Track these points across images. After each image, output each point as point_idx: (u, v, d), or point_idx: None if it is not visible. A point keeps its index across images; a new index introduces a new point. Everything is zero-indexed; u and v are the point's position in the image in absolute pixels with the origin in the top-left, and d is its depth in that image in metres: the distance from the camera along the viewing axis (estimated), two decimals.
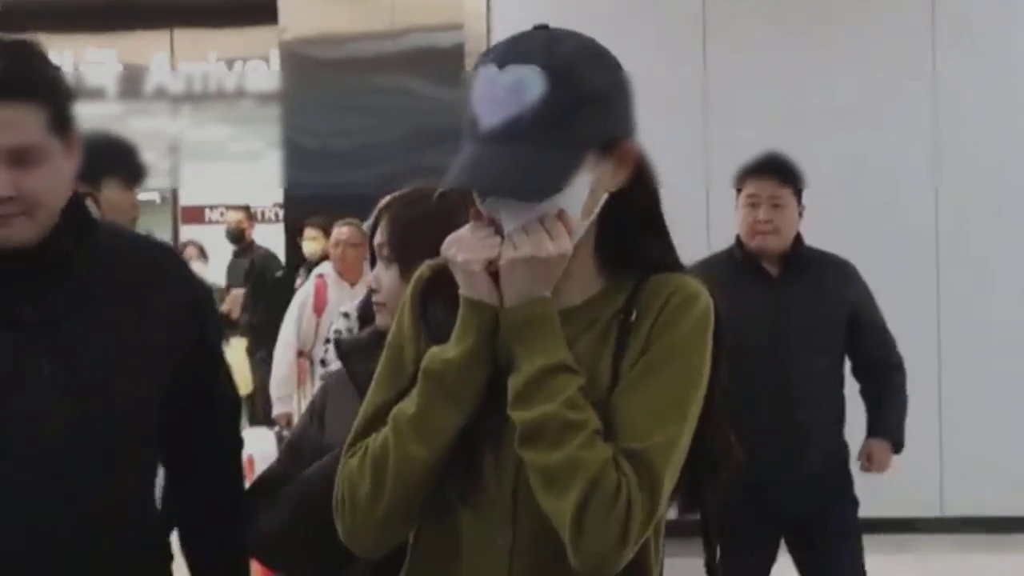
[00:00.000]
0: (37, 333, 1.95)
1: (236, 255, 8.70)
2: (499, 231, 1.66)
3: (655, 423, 1.64)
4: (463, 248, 1.68)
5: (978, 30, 7.15)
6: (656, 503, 1.63)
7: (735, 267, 4.16)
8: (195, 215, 12.46)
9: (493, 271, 1.66)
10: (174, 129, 11.67)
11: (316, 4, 8.44)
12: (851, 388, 4.29)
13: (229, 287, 8.15)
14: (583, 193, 1.68)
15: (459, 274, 1.68)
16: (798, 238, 4.18)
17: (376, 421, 1.74)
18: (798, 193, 4.16)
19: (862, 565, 4.15)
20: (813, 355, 4.10)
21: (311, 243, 9.03)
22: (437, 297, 1.76)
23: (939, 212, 6.95)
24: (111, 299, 2.02)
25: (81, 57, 11.43)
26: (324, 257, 9.04)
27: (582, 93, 1.64)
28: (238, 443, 2.32)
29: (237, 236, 9.14)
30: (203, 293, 2.23)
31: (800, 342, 4.07)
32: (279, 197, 10.38)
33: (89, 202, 3.28)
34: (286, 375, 6.53)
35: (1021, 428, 6.95)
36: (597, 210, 1.71)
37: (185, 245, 8.41)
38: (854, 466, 4.26)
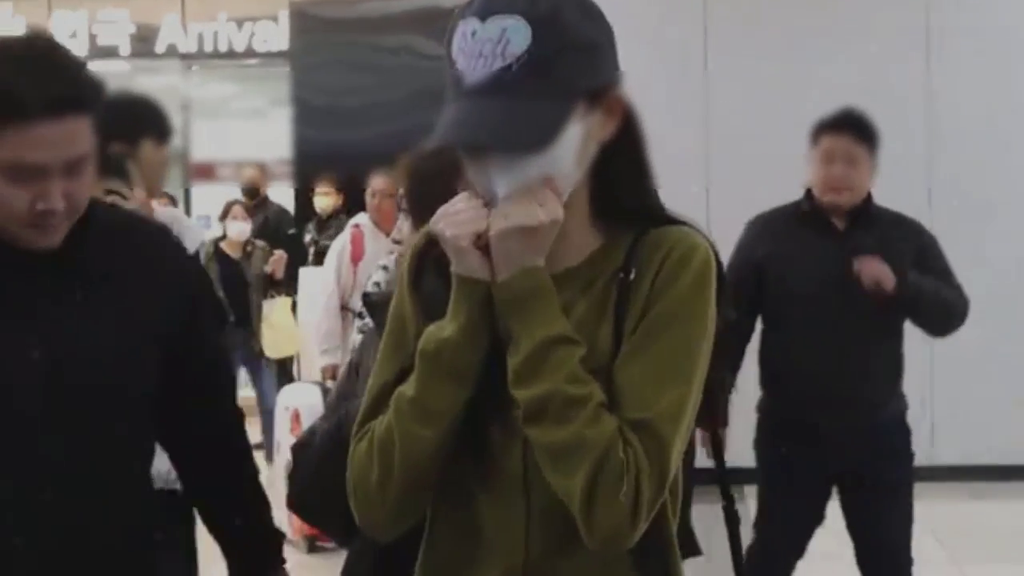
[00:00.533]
0: (28, 320, 1.96)
1: (250, 211, 8.84)
2: (489, 203, 1.60)
3: (660, 388, 1.59)
4: (451, 223, 1.61)
5: (972, 28, 7.30)
6: (666, 471, 1.58)
7: (800, 219, 4.15)
8: (206, 172, 12.62)
9: (483, 245, 1.60)
10: (185, 87, 11.83)
11: None
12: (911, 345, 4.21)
13: (273, 248, 8.19)
14: (575, 144, 1.61)
15: (449, 250, 1.62)
16: (868, 195, 4.14)
17: (382, 401, 1.70)
18: (873, 151, 4.11)
19: (910, 521, 4.13)
20: (873, 309, 4.02)
21: (323, 198, 9.19)
22: (431, 268, 1.71)
23: (932, 209, 7.10)
24: (103, 281, 2.03)
25: (95, 16, 11.60)
26: (336, 211, 9.22)
27: (567, 41, 1.58)
28: (238, 417, 2.35)
29: (252, 192, 9.28)
30: (196, 274, 2.29)
31: (858, 298, 3.99)
32: (288, 154, 10.55)
33: (129, 162, 3.37)
34: (331, 327, 6.43)
35: (1008, 385, 7.16)
36: (589, 162, 1.64)
37: (231, 204, 8.43)
38: (912, 420, 4.20)
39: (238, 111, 12.30)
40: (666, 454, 1.57)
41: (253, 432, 6.75)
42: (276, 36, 11.17)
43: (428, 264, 1.72)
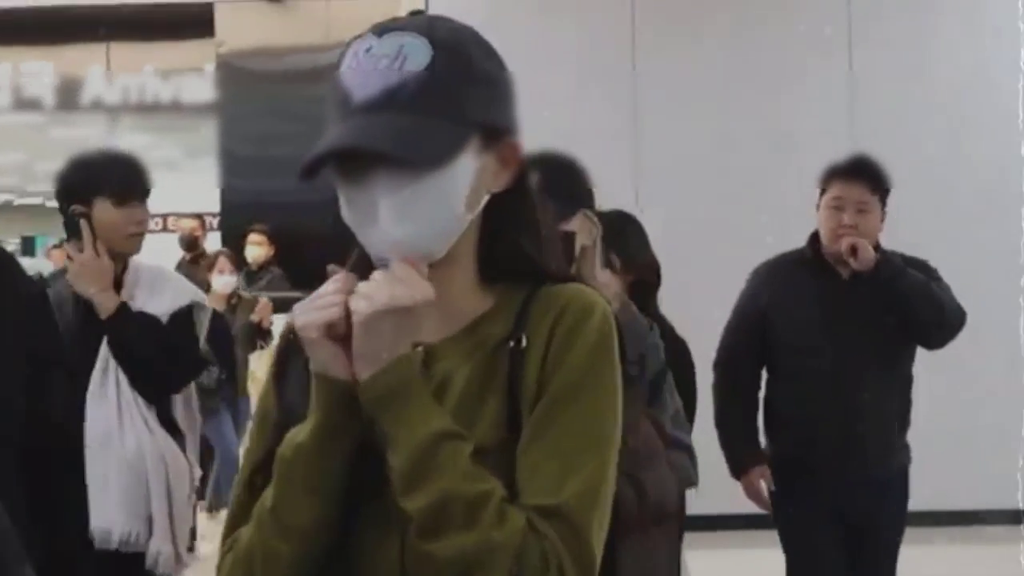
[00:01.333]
0: None
1: (189, 262, 8.79)
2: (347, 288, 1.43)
3: (570, 469, 1.44)
4: (304, 309, 1.44)
5: (893, 33, 7.50)
6: (589, 558, 1.43)
7: (804, 267, 4.10)
8: None
9: (340, 335, 1.42)
10: (110, 139, 11.81)
11: (252, 17, 8.64)
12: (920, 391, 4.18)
13: (256, 296, 8.10)
14: (468, 180, 1.47)
15: (304, 342, 1.44)
16: (877, 244, 4.03)
17: (246, 505, 1.52)
18: (883, 199, 4.04)
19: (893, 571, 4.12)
20: (877, 359, 4.00)
21: (255, 248, 9.20)
22: (300, 355, 1.51)
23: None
24: None
25: (19, 68, 11.59)
26: (267, 262, 9.22)
27: (467, 69, 1.46)
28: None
29: (191, 243, 9.25)
30: (35, 296, 2.36)
31: (864, 347, 3.98)
32: (215, 206, 10.57)
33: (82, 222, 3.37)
34: None
35: (980, 426, 7.23)
36: (478, 209, 1.49)
37: (217, 255, 8.32)
38: (913, 470, 4.15)
39: (162, 162, 12.30)
40: (585, 539, 1.43)
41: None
42: (201, 88, 11.21)
43: (296, 349, 1.52)
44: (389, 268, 1.44)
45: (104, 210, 3.42)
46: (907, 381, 4.13)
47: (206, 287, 8.23)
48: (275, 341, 6.38)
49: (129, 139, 12.11)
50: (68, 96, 11.67)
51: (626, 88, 7.41)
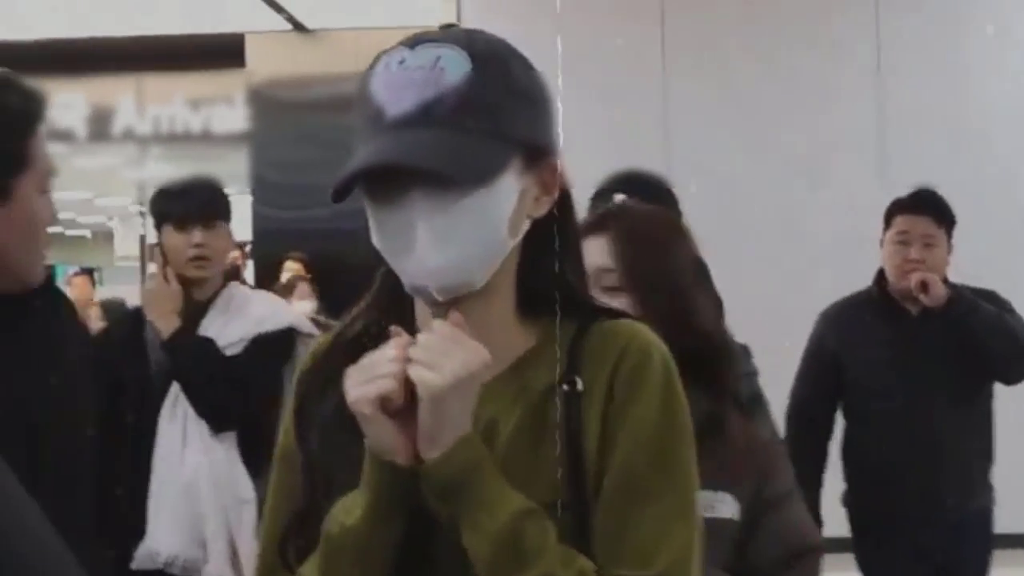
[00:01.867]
0: None
1: None
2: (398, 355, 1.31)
3: (662, 534, 1.34)
4: (355, 379, 1.32)
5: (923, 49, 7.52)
6: None
7: (871, 307, 4.03)
8: None
9: (396, 409, 1.30)
10: (139, 169, 11.90)
11: (283, 48, 8.71)
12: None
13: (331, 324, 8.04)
14: (511, 202, 1.36)
15: (357, 417, 1.32)
16: (944, 278, 3.95)
17: (275, 567, 1.43)
18: (949, 232, 3.98)
19: None
20: (954, 398, 3.91)
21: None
22: (330, 388, 1.39)
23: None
24: None
25: (50, 99, 11.67)
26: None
27: (509, 83, 1.35)
28: None
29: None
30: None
31: (939, 385, 3.90)
32: (246, 234, 10.63)
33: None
34: None
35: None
36: (520, 236, 1.38)
37: (296, 280, 7.97)
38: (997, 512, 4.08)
39: None
40: None
41: None
42: (231, 118, 11.27)
43: (325, 380, 1.41)
44: (433, 319, 1.33)
45: (168, 235, 3.48)
46: (987, 418, 4.02)
47: None
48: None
49: (158, 168, 12.20)
50: (99, 126, 11.76)
51: (656, 110, 7.44)
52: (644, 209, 2.20)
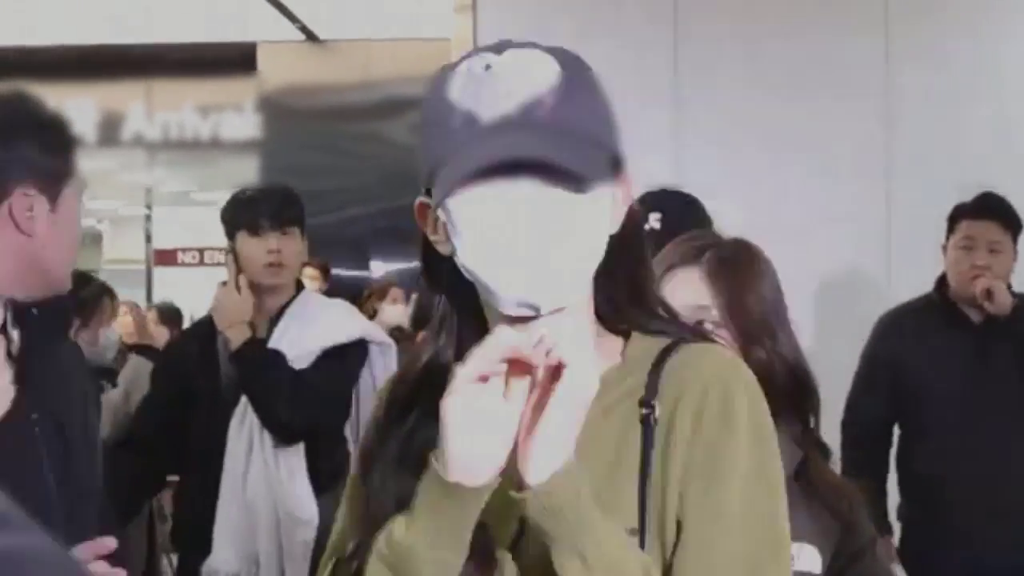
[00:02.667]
0: None
1: None
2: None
3: (754, 570, 1.28)
4: (464, 423, 1.21)
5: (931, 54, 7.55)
6: None
7: (932, 314, 3.88)
8: (168, 257, 12.75)
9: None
10: (148, 175, 11.96)
11: (294, 57, 8.78)
12: None
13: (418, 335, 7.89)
14: (607, 210, 1.30)
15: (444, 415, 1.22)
16: (1009, 285, 3.81)
17: None
18: (1015, 237, 3.84)
19: None
20: (1017, 412, 3.73)
21: (309, 283, 9.26)
22: (395, 428, 1.35)
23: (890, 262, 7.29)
24: None
25: (60, 104, 11.74)
26: None
27: (595, 90, 1.32)
28: None
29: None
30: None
31: (1005, 395, 3.73)
32: None
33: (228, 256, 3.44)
34: None
35: None
36: (603, 251, 1.32)
37: (389, 285, 7.62)
38: None
39: (201, 198, 12.42)
40: None
41: None
42: (241, 124, 11.34)
43: (390, 420, 1.36)
44: (534, 321, 1.25)
45: (242, 242, 3.41)
46: None
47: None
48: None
49: (167, 174, 12.26)
50: (109, 132, 11.83)
51: (667, 110, 7.49)
52: (732, 240, 2.08)
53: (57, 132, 2.09)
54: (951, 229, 3.88)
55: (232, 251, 3.41)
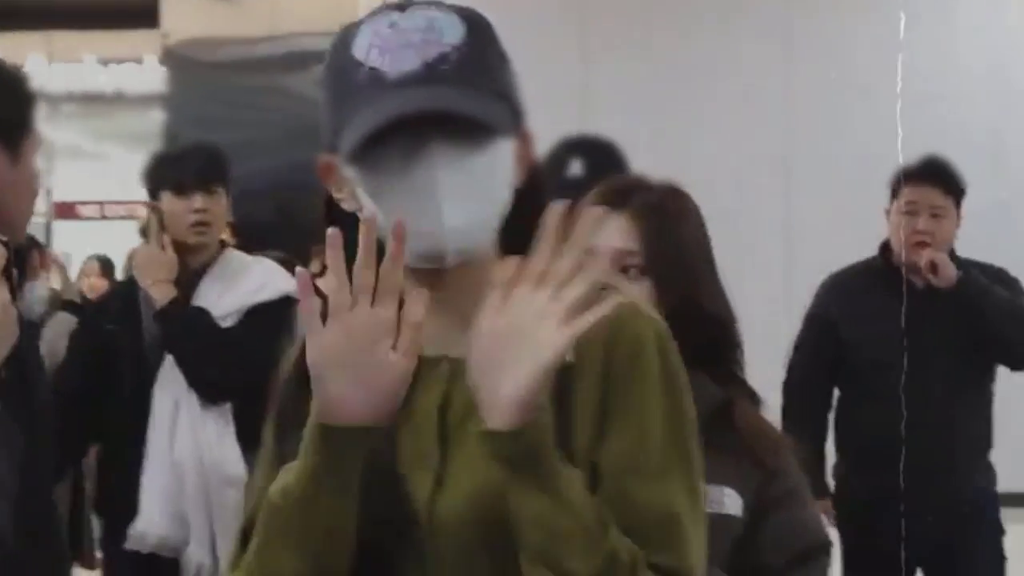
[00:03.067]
0: None
1: None
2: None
3: (670, 520, 1.29)
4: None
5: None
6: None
7: (875, 277, 3.85)
8: (67, 211, 12.64)
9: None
10: (48, 127, 11.83)
11: (198, 9, 8.74)
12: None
13: None
14: (510, 163, 1.33)
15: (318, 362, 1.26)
16: (951, 252, 3.78)
17: (237, 555, 1.36)
18: (958, 202, 3.78)
19: None
20: (956, 376, 3.74)
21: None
22: (308, 389, 1.31)
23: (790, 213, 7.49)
24: None
25: None
26: None
27: (496, 46, 1.35)
28: None
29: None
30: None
31: (943, 361, 3.71)
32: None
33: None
34: None
35: None
36: (506, 204, 1.34)
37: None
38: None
39: (103, 152, 12.32)
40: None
41: None
42: (143, 77, 11.24)
43: (306, 380, 1.33)
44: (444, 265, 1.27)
45: (167, 201, 3.37)
46: (988, 399, 3.87)
47: None
48: None
49: (68, 127, 12.13)
50: None
51: (576, 92, 7.58)
52: (660, 184, 2.02)
53: (16, 87, 2.11)
54: (894, 194, 3.84)
55: (155, 209, 3.38)
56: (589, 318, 1.21)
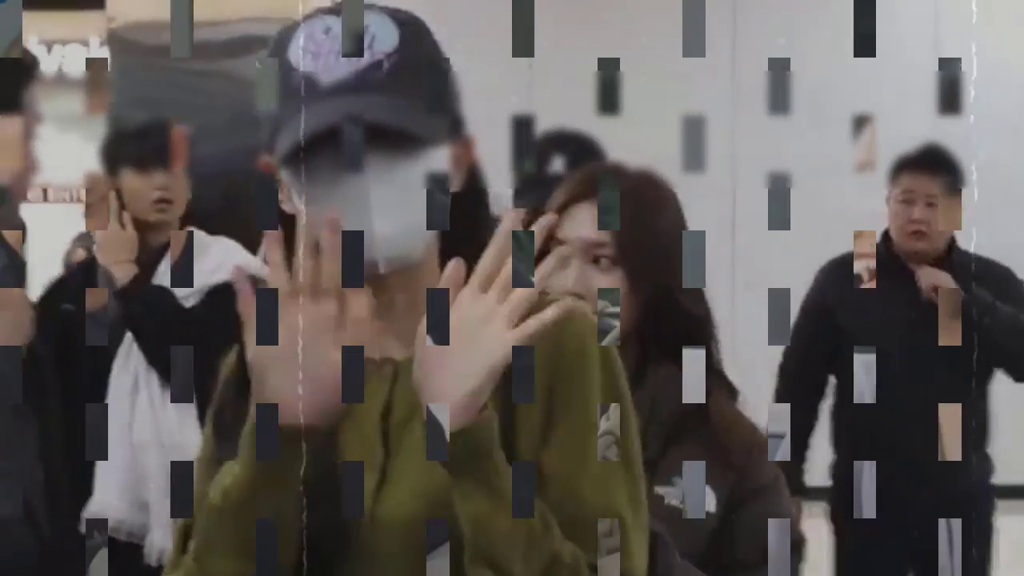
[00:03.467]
0: None
1: None
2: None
3: (627, 529, 1.32)
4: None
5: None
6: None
7: (876, 264, 3.83)
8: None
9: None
10: None
11: None
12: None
13: None
14: (444, 170, 1.36)
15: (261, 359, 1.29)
16: (952, 241, 3.81)
17: (175, 557, 1.39)
18: (958, 191, 3.76)
19: None
20: (954, 369, 3.70)
21: None
22: (248, 391, 1.36)
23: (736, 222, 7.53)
24: None
25: None
26: None
27: (433, 53, 1.36)
28: None
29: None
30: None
31: (940, 354, 3.56)
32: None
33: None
34: None
35: None
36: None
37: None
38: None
39: (45, 134, 12.19)
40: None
41: None
42: (85, 60, 11.15)
43: (246, 381, 1.38)
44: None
45: (127, 179, 3.38)
46: (985, 389, 3.88)
47: None
48: None
49: None
50: None
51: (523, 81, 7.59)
52: (635, 171, 2.01)
53: (17, 63, 2.11)
54: (892, 182, 3.84)
55: (114, 187, 3.35)
56: (535, 323, 1.23)
